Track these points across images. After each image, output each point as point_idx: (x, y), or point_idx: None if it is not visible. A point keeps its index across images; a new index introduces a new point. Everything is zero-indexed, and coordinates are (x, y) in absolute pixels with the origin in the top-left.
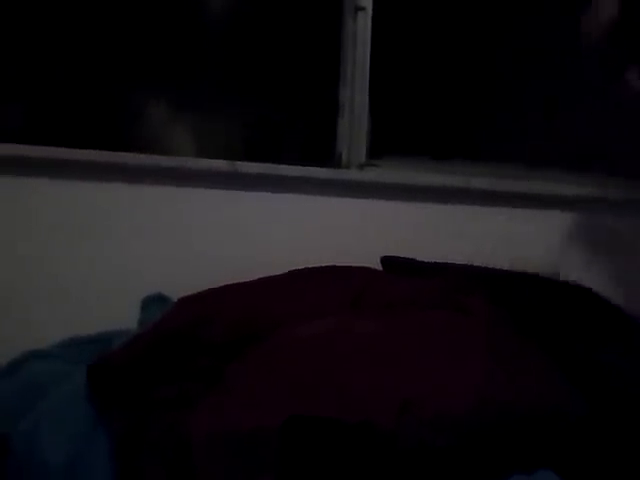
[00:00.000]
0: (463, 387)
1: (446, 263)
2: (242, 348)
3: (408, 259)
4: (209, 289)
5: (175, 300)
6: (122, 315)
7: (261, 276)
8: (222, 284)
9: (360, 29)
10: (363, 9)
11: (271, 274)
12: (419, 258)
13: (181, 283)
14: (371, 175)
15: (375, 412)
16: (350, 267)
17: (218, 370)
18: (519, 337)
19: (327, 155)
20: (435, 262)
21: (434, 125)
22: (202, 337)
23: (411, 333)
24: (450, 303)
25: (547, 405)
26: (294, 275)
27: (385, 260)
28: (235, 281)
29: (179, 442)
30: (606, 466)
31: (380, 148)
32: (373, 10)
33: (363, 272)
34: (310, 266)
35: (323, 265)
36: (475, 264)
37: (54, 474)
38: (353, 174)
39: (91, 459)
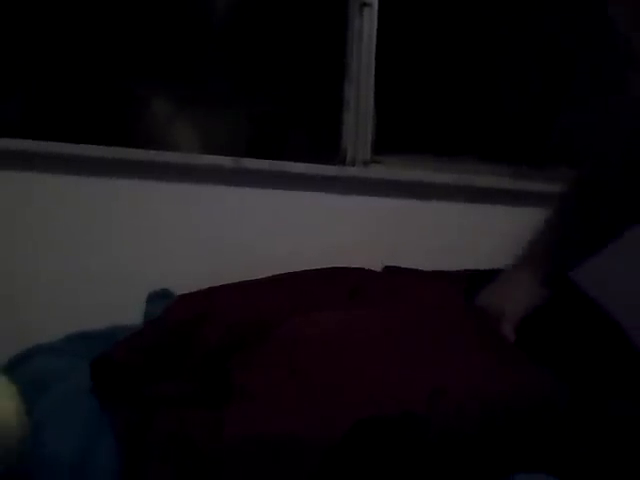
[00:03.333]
0: (483, 374)
1: (449, 271)
2: (242, 346)
3: (410, 269)
4: (209, 287)
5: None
6: (126, 310)
7: (264, 272)
8: (225, 280)
9: (366, 25)
10: (369, 5)
11: (275, 271)
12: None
13: (184, 279)
14: (376, 172)
15: (408, 403)
16: (349, 267)
17: (218, 367)
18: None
19: (332, 152)
20: (438, 271)
21: (440, 122)
22: (202, 334)
23: (415, 326)
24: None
25: (539, 397)
26: (294, 276)
27: (387, 270)
28: (239, 277)
29: (184, 439)
30: (594, 458)
31: (385, 145)
32: (379, 6)
33: (362, 271)
34: (313, 263)
35: (324, 267)
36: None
37: (60, 470)
38: (358, 171)
39: (98, 455)
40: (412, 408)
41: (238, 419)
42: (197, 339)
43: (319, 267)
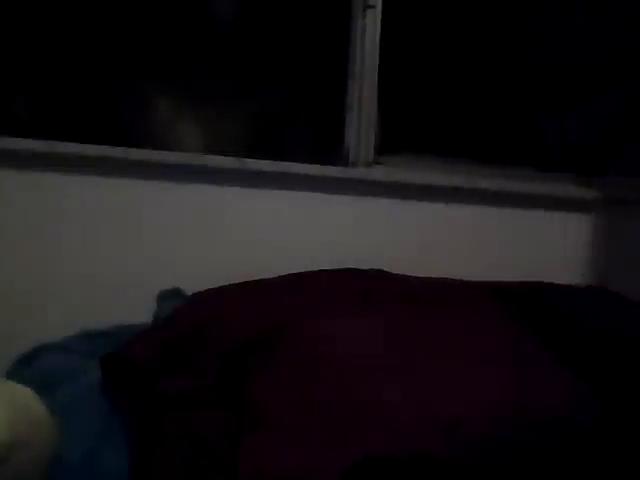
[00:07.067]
0: (500, 398)
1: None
2: (256, 349)
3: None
4: (222, 286)
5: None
6: (134, 311)
7: (268, 272)
8: (229, 281)
9: (369, 27)
10: (372, 7)
11: (278, 272)
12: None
13: (189, 278)
14: (379, 173)
15: (425, 438)
16: (364, 269)
17: (230, 368)
18: (530, 336)
19: (335, 153)
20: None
21: (443, 123)
22: (215, 334)
23: (439, 337)
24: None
25: (568, 408)
26: (308, 277)
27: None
28: (243, 278)
29: (195, 440)
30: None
31: (388, 146)
32: (382, 8)
33: (376, 273)
34: (316, 263)
35: (336, 268)
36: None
37: (68, 471)
38: (361, 172)
39: (105, 456)
40: (429, 443)
41: (251, 455)
42: (209, 339)
43: (322, 267)
